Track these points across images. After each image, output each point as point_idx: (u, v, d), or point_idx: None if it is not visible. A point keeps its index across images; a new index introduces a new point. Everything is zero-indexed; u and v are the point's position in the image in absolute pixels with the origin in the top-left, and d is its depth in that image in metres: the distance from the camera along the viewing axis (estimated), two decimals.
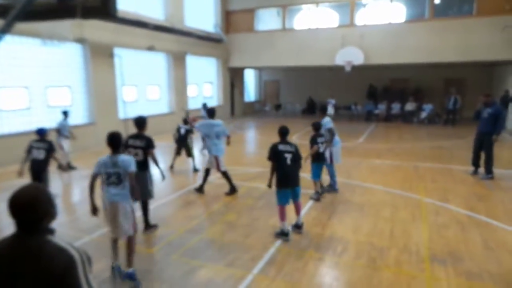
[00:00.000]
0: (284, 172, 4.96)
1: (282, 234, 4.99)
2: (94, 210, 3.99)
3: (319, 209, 6.22)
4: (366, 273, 4.17)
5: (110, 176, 3.88)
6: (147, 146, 5.11)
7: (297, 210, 5.21)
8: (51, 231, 1.64)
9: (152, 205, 6.41)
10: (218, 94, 20.53)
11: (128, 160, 3.94)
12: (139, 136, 5.22)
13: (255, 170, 8.92)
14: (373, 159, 10.23)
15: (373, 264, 4.36)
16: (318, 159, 6.68)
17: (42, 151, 5.83)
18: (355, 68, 17.77)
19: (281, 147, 5.02)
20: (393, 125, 17.90)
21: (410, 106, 18.91)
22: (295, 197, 5.11)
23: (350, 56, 17.13)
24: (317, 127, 6.91)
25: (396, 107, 19.32)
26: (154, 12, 15.02)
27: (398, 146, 12.22)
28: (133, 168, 3.92)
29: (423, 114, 18.09)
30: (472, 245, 4.85)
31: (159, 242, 5.02)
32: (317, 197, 6.64)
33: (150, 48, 14.35)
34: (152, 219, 5.84)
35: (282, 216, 4.99)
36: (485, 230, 5.33)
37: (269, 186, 5.06)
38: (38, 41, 9.20)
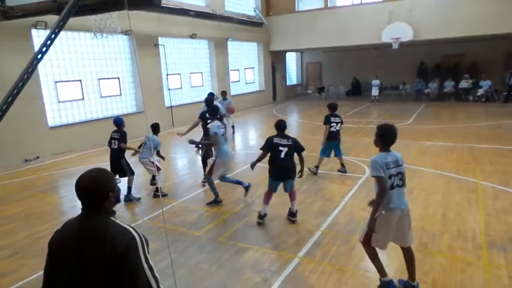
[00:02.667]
0: (277, 165, 4.96)
1: (258, 217, 5.12)
2: None
3: (365, 193, 6.07)
4: (417, 258, 3.99)
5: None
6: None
7: (291, 197, 5.17)
8: (113, 213, 1.77)
9: (198, 189, 6.64)
10: (260, 79, 20.49)
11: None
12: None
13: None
14: (423, 140, 9.72)
15: (424, 249, 4.20)
16: (330, 138, 7.02)
17: (116, 141, 6.15)
18: (403, 45, 16.80)
19: (277, 139, 4.99)
20: (446, 104, 16.84)
21: (465, 83, 17.60)
22: (287, 189, 5.10)
23: (398, 32, 16.18)
24: (332, 107, 7.31)
25: (449, 85, 18.09)
26: None
27: (451, 127, 11.50)
28: None
29: (480, 91, 16.78)
30: None
31: (207, 225, 5.19)
32: (315, 171, 7.13)
33: (192, 36, 14.58)
34: (198, 202, 6.04)
35: (267, 199, 5.11)
36: None
37: (252, 167, 5.19)
38: (89, 35, 9.72)
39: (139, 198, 6.38)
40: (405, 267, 3.51)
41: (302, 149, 5.07)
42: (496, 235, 4.46)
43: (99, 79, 11.59)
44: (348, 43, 18.14)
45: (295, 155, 5.03)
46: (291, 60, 24.83)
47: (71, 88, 10.74)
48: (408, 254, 3.45)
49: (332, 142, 7.06)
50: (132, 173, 6.27)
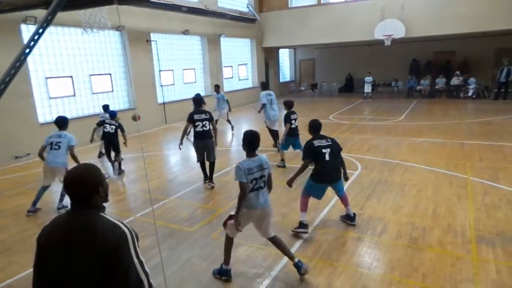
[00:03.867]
0: (324, 168, 4.55)
1: (301, 226, 4.64)
2: None
3: (357, 189, 6.11)
4: (408, 253, 4.08)
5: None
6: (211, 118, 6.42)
7: (345, 202, 4.85)
8: (103, 208, 1.77)
9: (192, 186, 6.62)
10: (253, 76, 20.45)
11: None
12: (202, 111, 6.46)
13: (293, 150, 8.88)
14: (414, 137, 9.81)
15: (415, 245, 4.25)
16: (291, 134, 7.29)
17: (113, 126, 7.52)
18: (396, 42, 16.89)
19: (317, 142, 4.60)
20: (437, 101, 16.99)
21: (456, 80, 17.77)
22: (339, 190, 4.77)
23: (390, 29, 16.25)
24: (289, 105, 7.51)
25: (440, 82, 18.23)
26: None
27: (442, 123, 11.61)
28: None
29: (471, 89, 16.95)
30: None
31: (200, 221, 5.19)
32: (283, 165, 7.50)
33: (185, 32, 14.49)
34: (191, 199, 6.04)
35: (305, 206, 4.70)
36: None
37: (290, 184, 4.63)
38: (79, 30, 9.60)
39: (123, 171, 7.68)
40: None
41: (341, 149, 4.74)
42: (485, 230, 4.52)
43: (90, 75, 11.47)
44: (341, 39, 18.17)
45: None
46: (284, 57, 24.81)
47: (62, 84, 10.61)
48: (274, 241, 3.74)
49: (291, 138, 7.35)
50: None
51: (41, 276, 1.69)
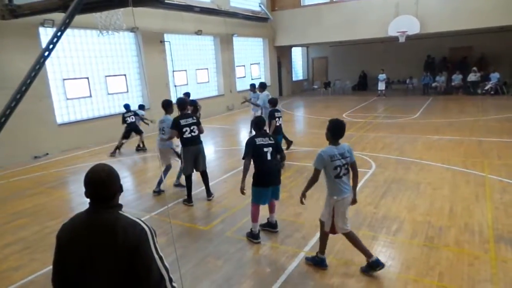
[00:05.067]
0: (264, 169, 4.35)
1: (252, 236, 4.49)
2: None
3: (371, 188, 6.06)
4: (424, 252, 4.03)
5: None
6: (199, 122, 5.81)
7: (272, 207, 4.69)
8: (121, 206, 1.79)
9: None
10: (266, 74, 20.44)
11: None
12: (188, 115, 5.84)
13: (305, 149, 8.87)
14: (430, 134, 9.65)
15: (431, 244, 4.19)
16: (275, 132, 7.25)
17: (133, 117, 9.41)
18: (410, 38, 16.62)
19: (259, 140, 4.40)
20: (454, 98, 16.66)
21: (473, 77, 17.38)
22: (277, 196, 4.59)
23: (405, 25, 16.01)
24: (274, 102, 7.55)
25: (457, 79, 17.87)
26: None
27: (459, 120, 11.39)
28: None
29: (489, 84, 16.55)
30: None
31: (214, 220, 5.23)
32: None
33: (198, 32, 14.59)
34: (205, 198, 6.09)
35: (256, 216, 4.47)
36: None
37: (242, 190, 4.43)
38: (95, 32, 9.79)
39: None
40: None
41: (281, 150, 4.58)
42: (503, 229, 4.43)
43: (106, 76, 11.67)
44: (354, 37, 17.99)
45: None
46: (297, 55, 24.72)
47: (78, 85, 10.84)
48: (349, 238, 3.75)
49: (278, 136, 7.22)
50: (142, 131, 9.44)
51: (60, 273, 1.73)
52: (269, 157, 4.37)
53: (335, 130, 3.55)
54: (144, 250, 1.66)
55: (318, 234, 4.55)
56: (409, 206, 5.26)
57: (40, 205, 6.22)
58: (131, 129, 9.40)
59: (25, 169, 8.65)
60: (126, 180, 7.31)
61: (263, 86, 9.56)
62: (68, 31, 10.41)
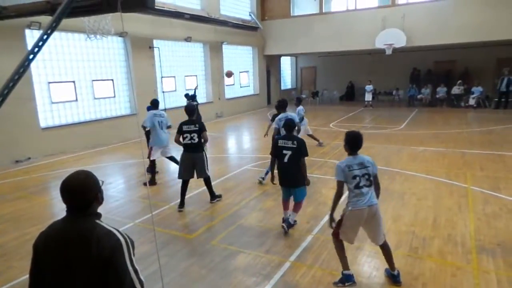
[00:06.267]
0: (281, 171, 4.75)
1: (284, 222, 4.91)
2: None
3: None
4: (408, 262, 4.06)
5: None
6: (202, 129, 5.82)
7: (295, 208, 4.94)
8: (99, 215, 1.75)
9: (193, 192, 6.61)
10: (255, 83, 20.54)
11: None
12: (192, 121, 5.90)
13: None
14: (415, 145, 9.80)
15: (415, 254, 4.23)
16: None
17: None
18: (397, 51, 16.97)
19: (281, 142, 4.70)
20: (438, 110, 17.01)
21: (457, 90, 17.82)
22: (295, 198, 4.86)
23: (391, 38, 16.35)
24: (279, 106, 7.27)
25: (441, 91, 18.28)
26: (190, 2, 15.20)
27: (443, 132, 11.62)
28: None
29: (472, 98, 16.98)
30: None
31: (199, 228, 5.18)
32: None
33: (187, 39, 14.60)
34: (191, 205, 6.03)
35: (285, 206, 5.01)
36: None
37: (272, 180, 5.00)
38: (83, 36, 9.69)
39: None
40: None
41: (304, 154, 4.75)
42: (485, 240, 4.50)
43: (92, 80, 11.53)
44: (343, 48, 18.28)
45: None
46: (286, 64, 24.94)
47: (64, 89, 10.67)
48: (383, 249, 3.71)
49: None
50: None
51: (37, 283, 1.69)
52: (286, 160, 4.65)
53: (352, 142, 3.63)
54: (118, 261, 1.61)
55: (304, 244, 4.55)
56: (394, 216, 5.30)
57: (21, 210, 6.05)
58: None
59: (6, 173, 8.43)
60: (111, 187, 7.19)
61: (299, 100, 9.70)
62: (55, 33, 10.28)
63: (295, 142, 4.63)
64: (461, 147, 9.38)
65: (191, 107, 6.11)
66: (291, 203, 4.96)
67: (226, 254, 4.38)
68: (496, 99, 16.30)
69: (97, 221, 1.71)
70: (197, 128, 5.79)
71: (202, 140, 5.84)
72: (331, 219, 3.69)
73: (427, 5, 16.12)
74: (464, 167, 7.63)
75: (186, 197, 6.14)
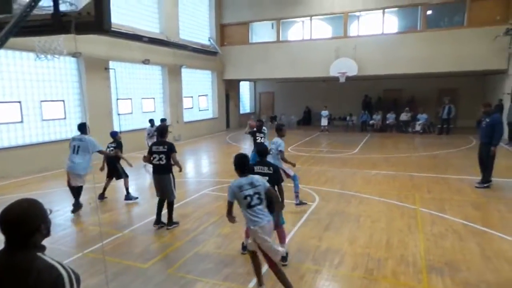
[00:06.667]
0: None
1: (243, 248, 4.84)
2: None
3: (315, 221, 6.18)
4: (363, 284, 4.13)
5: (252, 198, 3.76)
6: (170, 151, 5.77)
7: (280, 238, 4.67)
8: (42, 248, 1.62)
9: (147, 218, 6.35)
10: (213, 106, 20.58)
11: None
12: (162, 142, 5.86)
13: None
14: (368, 169, 10.23)
15: (370, 276, 4.32)
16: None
17: (113, 149, 7.46)
18: (350, 79, 17.93)
19: (258, 168, 4.55)
20: (388, 135, 17.99)
21: (404, 116, 19.05)
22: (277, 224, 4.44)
23: (344, 67, 17.31)
24: (258, 126, 8.82)
25: (391, 117, 19.45)
26: (149, 25, 15.14)
27: (393, 156, 12.26)
28: None
29: (418, 124, 18.21)
30: (469, 255, 4.82)
31: (154, 257, 4.95)
32: None
33: (145, 62, 14.42)
34: (147, 232, 5.78)
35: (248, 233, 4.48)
36: (482, 239, 5.31)
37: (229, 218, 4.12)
38: (32, 55, 9.23)
39: (137, 198, 7.47)
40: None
41: (279, 181, 4.58)
42: (434, 259, 4.72)
43: (41, 101, 10.94)
44: (299, 75, 19.00)
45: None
46: (245, 89, 25.34)
47: (8, 110, 10.01)
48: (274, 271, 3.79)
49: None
50: (127, 175, 7.51)
51: None
52: None
53: (239, 164, 3.85)
54: None
55: (263, 269, 4.49)
56: (350, 239, 5.42)
57: None
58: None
59: None
60: (58, 214, 6.72)
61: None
62: (0, 51, 9.71)
63: (271, 168, 4.55)
64: (410, 171, 9.93)
65: (163, 127, 6.13)
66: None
67: (183, 283, 4.21)
68: (439, 126, 17.59)
69: (39, 254, 1.58)
70: (165, 150, 5.79)
71: (172, 162, 5.85)
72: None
73: (376, 38, 17.35)
74: (413, 189, 8.05)
75: (142, 223, 5.92)
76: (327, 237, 5.48)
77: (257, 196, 3.69)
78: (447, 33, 16.20)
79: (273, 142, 6.67)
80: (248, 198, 3.65)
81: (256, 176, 3.85)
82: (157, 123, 10.88)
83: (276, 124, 7.40)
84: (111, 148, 7.50)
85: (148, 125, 11.82)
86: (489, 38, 14.80)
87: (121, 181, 7.67)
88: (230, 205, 3.79)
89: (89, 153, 6.68)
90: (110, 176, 7.65)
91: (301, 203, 6.81)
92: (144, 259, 4.89)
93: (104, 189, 7.63)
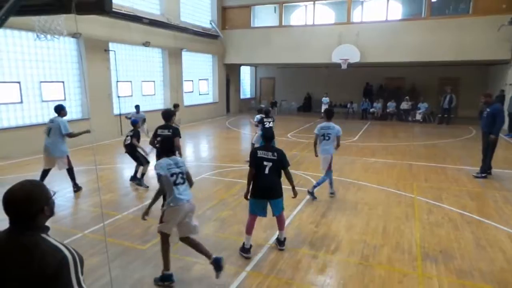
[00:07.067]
0: (261, 182, 4.46)
1: (242, 250, 4.53)
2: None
3: (313, 207, 6.25)
4: (359, 270, 4.21)
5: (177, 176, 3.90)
6: (174, 135, 5.78)
7: (279, 224, 4.73)
8: (46, 229, 1.64)
9: (147, 200, 6.38)
10: (214, 91, 20.48)
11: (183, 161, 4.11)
12: (166, 126, 5.90)
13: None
14: (367, 157, 10.27)
15: (366, 262, 4.40)
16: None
17: (129, 137, 7.26)
18: (352, 66, 17.80)
19: (261, 153, 4.50)
20: (388, 124, 17.97)
21: (405, 105, 18.99)
22: (275, 211, 4.61)
23: (347, 54, 17.14)
24: (266, 111, 9.23)
25: (391, 106, 19.39)
26: (150, 7, 14.92)
27: (392, 145, 12.28)
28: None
29: (418, 113, 18.17)
30: (464, 243, 4.90)
31: (153, 239, 5.01)
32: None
33: (146, 44, 14.27)
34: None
35: (249, 228, 4.55)
36: (477, 228, 5.39)
37: (246, 197, 4.59)
38: (31, 35, 9.12)
39: (147, 187, 7.23)
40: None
41: (287, 164, 4.58)
42: (429, 247, 4.80)
43: (41, 82, 10.87)
44: (301, 60, 18.84)
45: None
46: (246, 74, 25.17)
47: (7, 90, 9.95)
48: (190, 243, 4.02)
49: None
50: (147, 162, 7.36)
51: None
52: (267, 171, 4.43)
53: (163, 147, 4.28)
54: (63, 280, 1.51)
55: (260, 254, 4.57)
56: (347, 225, 5.49)
57: None
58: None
59: None
60: (58, 195, 6.76)
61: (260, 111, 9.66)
62: None
63: (275, 153, 4.47)
64: (408, 159, 9.97)
65: (168, 112, 6.16)
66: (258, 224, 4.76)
67: (181, 265, 4.28)
68: (440, 115, 17.56)
69: (43, 235, 1.60)
70: (170, 133, 5.83)
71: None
72: (147, 211, 3.99)
73: (379, 24, 17.13)
74: (411, 178, 8.10)
75: (141, 205, 5.98)
76: (325, 223, 5.55)
77: (181, 175, 3.89)
78: (452, 21, 15.98)
79: (330, 127, 6.61)
80: (174, 176, 3.84)
81: (178, 158, 4.04)
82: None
83: (328, 109, 7.33)
84: (128, 136, 7.35)
85: (133, 110, 11.40)
86: (493, 27, 14.61)
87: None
88: (159, 179, 3.87)
89: (61, 135, 6.61)
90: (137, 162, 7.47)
91: (311, 194, 6.61)
92: (143, 240, 4.96)
93: (142, 175, 7.40)
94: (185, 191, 3.88)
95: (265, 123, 8.86)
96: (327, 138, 6.61)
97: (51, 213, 1.67)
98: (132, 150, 7.29)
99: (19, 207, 1.56)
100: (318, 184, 6.67)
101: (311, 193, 6.62)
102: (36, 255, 1.50)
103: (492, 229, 5.37)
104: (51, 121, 6.71)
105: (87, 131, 6.86)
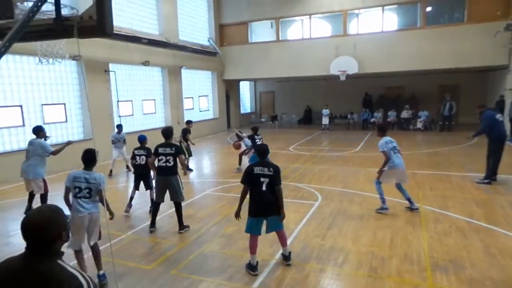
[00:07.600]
0: (259, 199, 4.37)
1: (249, 268, 4.44)
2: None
3: (318, 220, 6.19)
4: (368, 283, 4.13)
5: (81, 190, 4.13)
6: (177, 153, 5.79)
7: (281, 241, 4.63)
8: (61, 254, 1.63)
9: (149, 220, 6.35)
10: (214, 107, 20.60)
11: (101, 177, 4.26)
12: (169, 144, 5.86)
13: None
14: (370, 167, 10.20)
15: (375, 274, 4.32)
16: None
17: (143, 157, 6.73)
18: (350, 77, 17.92)
19: (258, 169, 4.39)
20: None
21: (406, 114, 19.02)
22: (270, 228, 4.51)
23: (345, 65, 17.29)
24: (254, 129, 9.79)
25: (392, 115, 19.41)
26: (149, 27, 15.16)
27: None
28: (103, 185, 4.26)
29: (419, 121, 18.18)
30: (474, 252, 4.82)
31: (158, 258, 4.96)
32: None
33: (145, 63, 14.44)
34: (149, 234, 5.79)
35: (253, 248, 4.44)
36: (486, 236, 5.31)
37: (237, 215, 4.49)
38: (32, 59, 9.26)
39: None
40: None
41: (279, 183, 4.44)
42: (438, 256, 4.72)
43: (42, 104, 10.97)
44: (299, 74, 18.99)
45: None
46: (245, 89, 25.35)
47: (9, 114, 10.03)
48: (93, 250, 4.33)
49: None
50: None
51: None
52: (264, 188, 4.34)
53: (85, 158, 4.25)
54: None
55: (267, 269, 4.50)
56: (354, 237, 5.42)
57: None
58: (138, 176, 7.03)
59: None
60: None
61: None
62: None
63: (271, 169, 4.38)
64: (412, 168, 9.90)
65: (167, 129, 6.10)
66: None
67: (187, 284, 4.22)
68: (441, 123, 17.56)
69: (59, 261, 1.59)
70: (173, 151, 5.78)
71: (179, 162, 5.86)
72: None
73: (375, 35, 17.33)
74: (416, 187, 8.04)
75: (145, 225, 5.93)
76: (331, 236, 5.49)
77: (87, 190, 4.08)
78: (447, 29, 16.17)
79: (393, 140, 6.86)
80: (77, 189, 4.06)
81: (97, 174, 4.18)
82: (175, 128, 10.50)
83: (381, 124, 7.68)
84: (142, 156, 6.69)
85: (115, 131, 10.74)
86: (489, 33, 14.77)
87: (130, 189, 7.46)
88: (66, 191, 4.17)
89: (40, 156, 6.43)
90: (137, 187, 6.96)
91: (412, 207, 6.45)
92: (148, 260, 4.90)
93: (131, 199, 6.94)
94: (86, 204, 4.13)
95: (256, 140, 9.36)
96: (395, 151, 6.67)
97: (68, 238, 1.67)
98: (145, 171, 6.71)
99: (37, 233, 1.55)
100: (408, 197, 6.51)
101: (411, 208, 6.47)
102: (53, 283, 1.49)
103: (501, 236, 5.30)
104: (30, 143, 6.51)
105: (69, 143, 6.71)
